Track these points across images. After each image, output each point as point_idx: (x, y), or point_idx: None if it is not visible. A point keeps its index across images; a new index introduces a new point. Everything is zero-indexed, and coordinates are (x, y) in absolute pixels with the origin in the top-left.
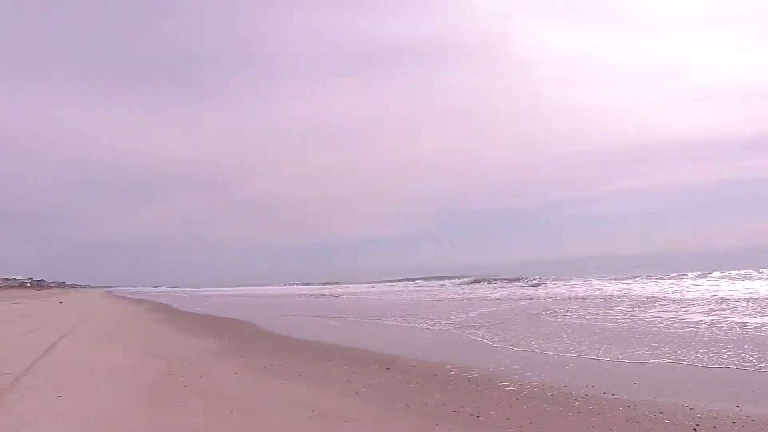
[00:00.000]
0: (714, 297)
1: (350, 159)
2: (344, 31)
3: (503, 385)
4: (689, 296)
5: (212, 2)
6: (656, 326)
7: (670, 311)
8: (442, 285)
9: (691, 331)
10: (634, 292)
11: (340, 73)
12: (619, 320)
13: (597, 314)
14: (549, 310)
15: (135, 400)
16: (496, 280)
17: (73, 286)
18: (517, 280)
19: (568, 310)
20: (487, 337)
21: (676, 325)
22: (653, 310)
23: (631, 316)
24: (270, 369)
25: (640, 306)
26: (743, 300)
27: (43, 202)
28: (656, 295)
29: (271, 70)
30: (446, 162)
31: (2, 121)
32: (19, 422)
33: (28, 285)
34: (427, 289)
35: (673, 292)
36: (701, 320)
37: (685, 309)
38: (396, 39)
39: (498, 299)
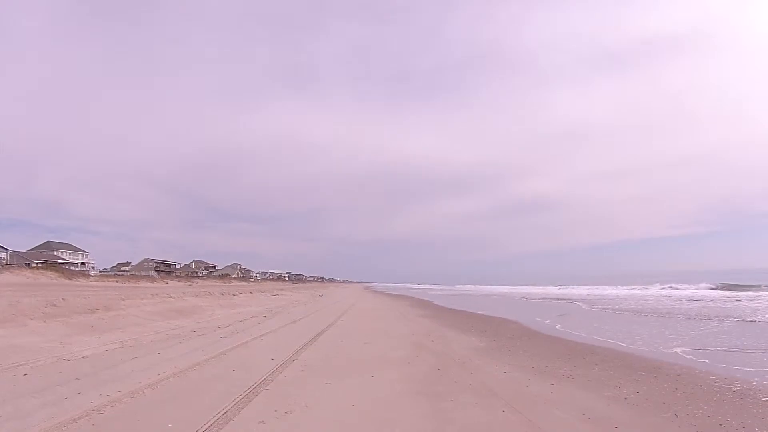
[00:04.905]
0: None
1: (619, 159)
2: (601, 28)
3: (766, 400)
4: None
5: (467, 10)
6: None
7: None
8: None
9: None
10: None
11: (603, 71)
12: None
13: None
14: None
15: (407, 391)
16: None
17: (331, 280)
18: None
19: None
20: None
21: None
22: None
23: None
24: (538, 369)
25: None
26: None
27: (315, 203)
28: None
29: (536, 72)
30: (719, 159)
31: (284, 131)
32: (292, 404)
33: (286, 278)
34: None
35: None
36: None
37: None
38: (652, 33)
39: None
